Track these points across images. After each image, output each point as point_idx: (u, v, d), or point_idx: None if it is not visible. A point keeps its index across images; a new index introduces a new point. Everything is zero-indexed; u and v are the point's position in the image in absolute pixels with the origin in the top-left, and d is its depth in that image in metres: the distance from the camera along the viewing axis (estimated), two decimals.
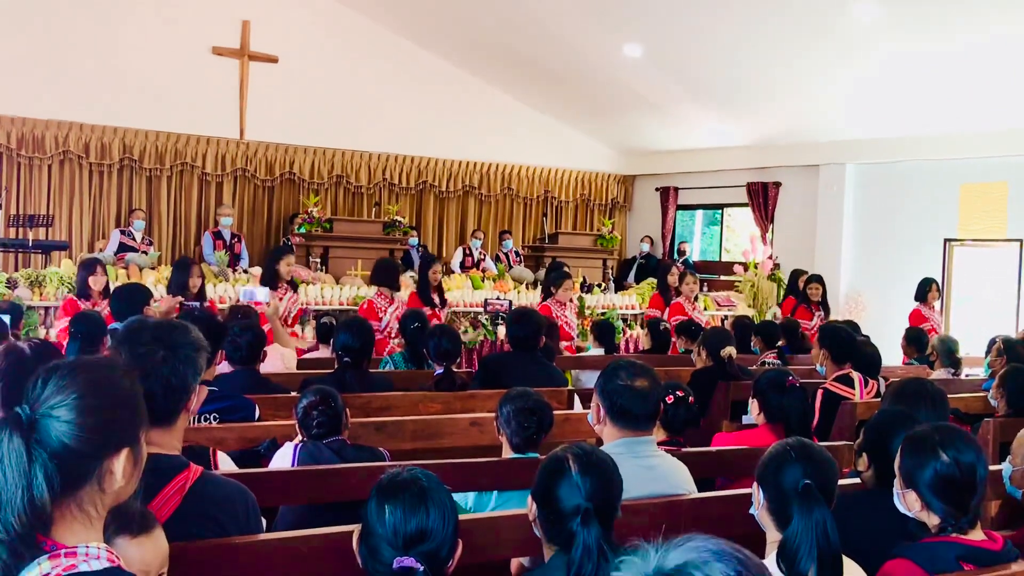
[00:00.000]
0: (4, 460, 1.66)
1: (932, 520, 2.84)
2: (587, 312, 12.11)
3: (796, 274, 11.71)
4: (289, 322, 8.53)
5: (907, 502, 2.87)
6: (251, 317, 6.70)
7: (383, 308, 8.57)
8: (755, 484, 2.82)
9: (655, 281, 13.91)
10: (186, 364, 2.62)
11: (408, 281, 10.78)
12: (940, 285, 11.03)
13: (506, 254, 15.05)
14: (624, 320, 12.54)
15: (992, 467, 4.47)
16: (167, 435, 2.61)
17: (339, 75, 14.98)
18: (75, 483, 1.74)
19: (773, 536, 2.72)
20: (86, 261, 8.28)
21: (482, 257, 14.90)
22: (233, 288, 10.49)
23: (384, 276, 8.80)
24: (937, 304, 10.91)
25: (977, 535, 2.81)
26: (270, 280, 8.63)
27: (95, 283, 7.88)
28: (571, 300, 9.42)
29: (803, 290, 11.05)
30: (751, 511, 2.83)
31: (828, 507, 2.62)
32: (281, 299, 8.40)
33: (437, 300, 9.03)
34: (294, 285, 8.87)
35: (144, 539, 2.21)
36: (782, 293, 13.16)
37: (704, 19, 12.03)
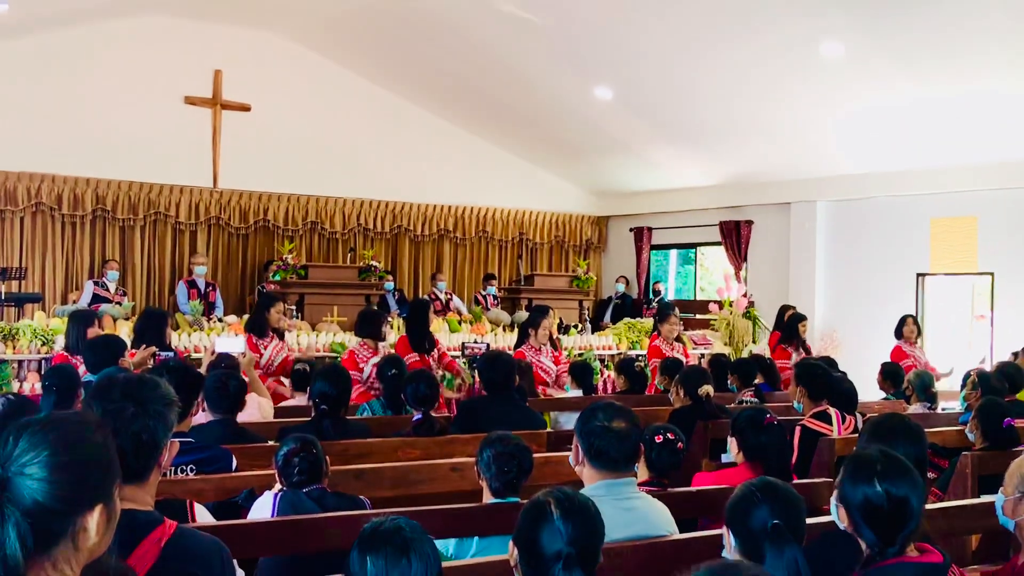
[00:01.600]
0: None
1: (862, 540, 2.85)
2: (566, 354, 12.08)
3: (784, 309, 11.68)
4: (272, 370, 8.43)
5: (838, 515, 2.88)
6: (235, 367, 6.68)
7: (364, 359, 8.44)
8: (725, 528, 2.82)
9: (632, 321, 13.98)
10: (156, 419, 2.61)
11: (393, 331, 10.71)
12: (916, 320, 11.02)
13: (485, 296, 15.07)
14: (601, 361, 12.54)
15: (972, 500, 4.50)
16: (140, 491, 2.59)
17: (312, 122, 15.02)
18: (49, 541, 1.72)
19: None
20: (82, 314, 7.98)
21: (449, 297, 14.95)
22: (208, 337, 10.43)
23: (367, 327, 8.64)
24: (919, 340, 10.90)
25: (914, 552, 2.81)
26: (259, 328, 8.48)
27: (93, 336, 7.37)
28: (546, 344, 9.32)
29: (787, 325, 11.01)
30: (723, 555, 2.83)
31: (798, 544, 2.62)
32: (266, 347, 8.34)
33: (426, 345, 8.94)
34: (280, 333, 8.73)
35: None
36: (758, 331, 13.18)
37: (673, 61, 12.16)
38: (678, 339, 10.26)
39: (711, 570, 1.55)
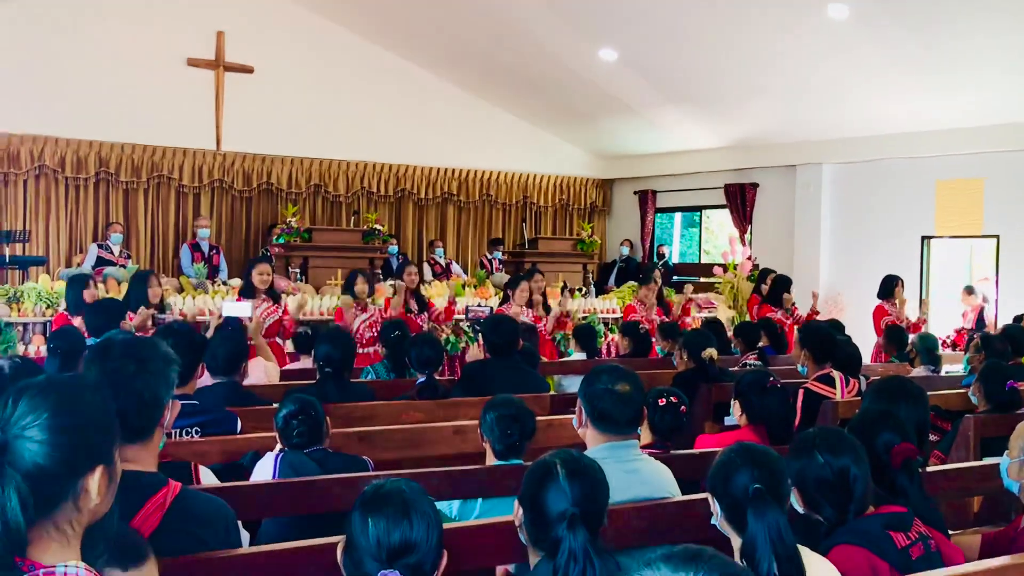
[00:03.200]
0: None
1: (817, 518, 2.94)
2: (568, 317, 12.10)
3: (765, 273, 11.72)
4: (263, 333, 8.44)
5: (795, 499, 2.95)
6: (240, 332, 6.69)
7: (353, 315, 8.76)
8: (709, 495, 2.84)
9: (636, 285, 13.95)
10: (157, 377, 2.61)
11: (387, 289, 10.75)
12: (907, 282, 11.10)
13: (490, 260, 15.11)
14: (605, 324, 12.54)
15: (975, 463, 4.51)
16: (143, 451, 2.59)
17: (315, 84, 14.95)
18: (50, 503, 1.72)
19: (737, 543, 2.73)
20: (78, 277, 8.11)
21: (448, 263, 15.21)
22: (212, 300, 10.44)
23: (348, 287, 9.01)
24: (908, 301, 10.96)
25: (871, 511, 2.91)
26: (247, 290, 8.57)
27: (89, 297, 7.67)
28: (523, 307, 9.38)
29: (772, 289, 11.05)
30: (712, 522, 2.85)
31: (781, 507, 2.64)
32: (255, 308, 8.36)
33: (415, 306, 9.00)
34: (274, 296, 8.73)
35: (135, 572, 2.19)
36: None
37: (678, 22, 12.07)
38: (661, 302, 10.38)
39: (669, 556, 1.54)
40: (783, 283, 11.03)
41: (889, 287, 10.80)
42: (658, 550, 1.57)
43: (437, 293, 12.25)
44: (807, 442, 2.95)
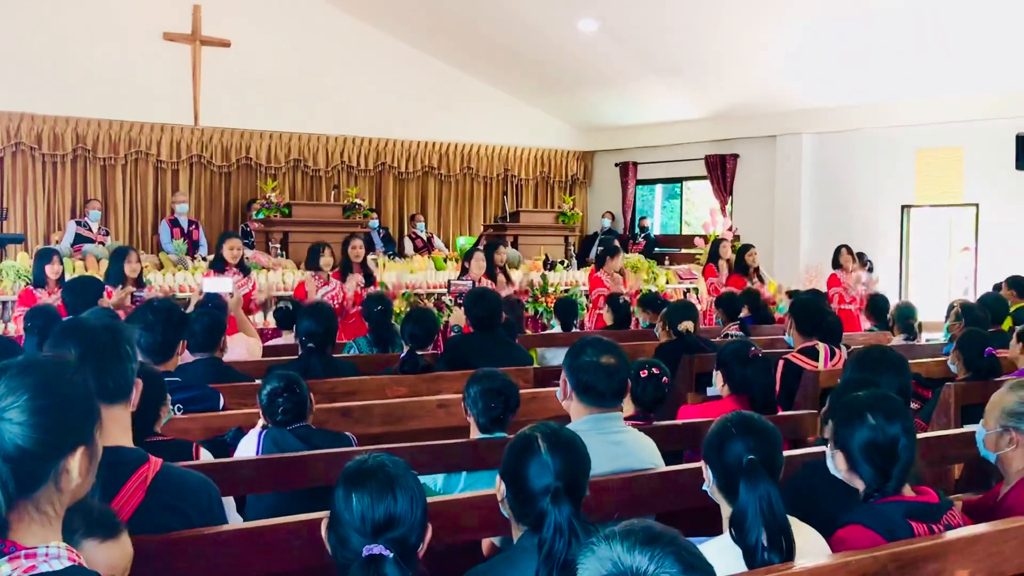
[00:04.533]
0: None
1: (858, 484, 2.90)
2: (550, 290, 12.13)
3: (718, 242, 11.74)
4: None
5: (836, 462, 2.94)
6: (221, 308, 6.68)
7: (315, 288, 8.87)
8: (703, 462, 2.84)
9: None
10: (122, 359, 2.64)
11: (371, 264, 10.74)
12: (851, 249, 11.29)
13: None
14: (587, 296, 12.55)
15: (955, 431, 4.54)
16: (116, 427, 2.59)
17: (293, 58, 14.84)
18: (31, 484, 1.71)
19: (726, 511, 2.75)
20: (42, 251, 8.38)
21: (430, 237, 15.27)
22: (192, 276, 10.39)
23: (311, 260, 9.20)
24: (857, 270, 11.10)
25: (909, 493, 2.88)
26: (217, 264, 8.68)
27: (51, 272, 8.01)
28: (485, 276, 9.51)
29: (738, 256, 11.10)
30: (703, 488, 2.86)
31: (774, 479, 2.65)
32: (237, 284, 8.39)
33: (363, 281, 9.07)
34: (245, 269, 8.85)
35: (112, 544, 2.20)
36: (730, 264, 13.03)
37: None
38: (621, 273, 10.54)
39: (627, 533, 1.54)
40: (744, 250, 11.11)
41: (837, 257, 10.97)
42: (620, 523, 1.57)
43: (419, 267, 12.24)
44: (859, 405, 2.91)
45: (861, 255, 12.73)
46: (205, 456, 3.44)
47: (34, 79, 12.95)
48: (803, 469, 3.47)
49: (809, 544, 2.70)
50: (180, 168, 14.55)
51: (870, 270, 12.35)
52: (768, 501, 2.58)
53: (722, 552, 2.57)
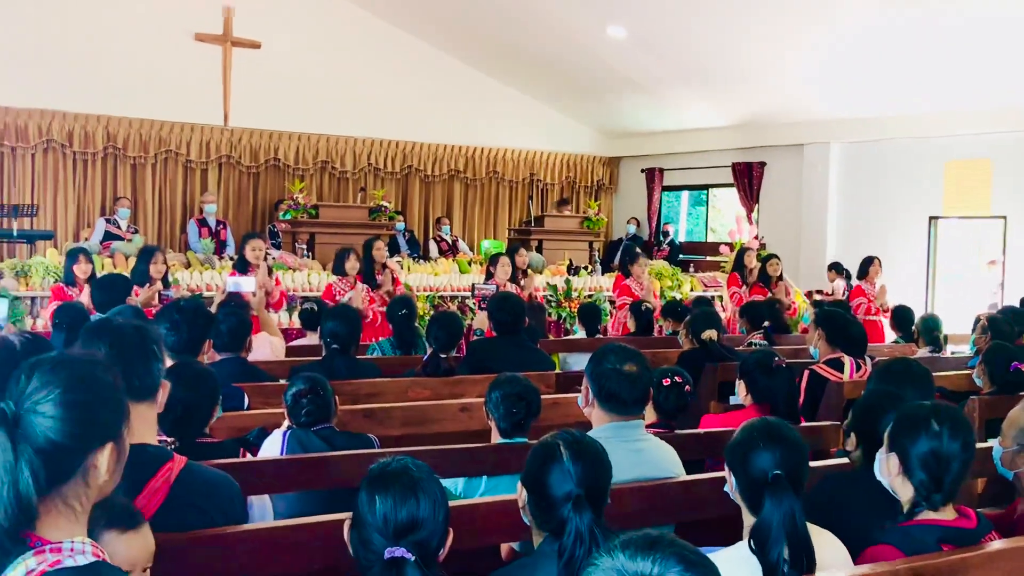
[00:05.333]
0: None
1: (905, 492, 2.87)
2: (574, 295, 12.14)
3: (743, 251, 11.68)
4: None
5: (887, 466, 2.90)
6: (244, 307, 6.72)
7: (341, 291, 8.94)
8: (726, 467, 2.83)
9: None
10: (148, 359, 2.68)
11: (394, 266, 10.77)
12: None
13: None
14: (611, 303, 12.54)
15: (980, 445, 4.51)
16: (142, 426, 2.62)
17: (323, 60, 14.90)
18: (60, 478, 1.74)
19: (747, 519, 2.73)
20: (70, 251, 8.49)
21: (455, 240, 15.27)
22: (219, 275, 10.46)
23: (337, 265, 9.28)
24: (879, 280, 11.04)
25: (949, 514, 2.85)
26: (241, 266, 8.72)
27: (79, 271, 8.10)
28: (505, 281, 9.51)
29: (761, 265, 11.05)
30: (725, 488, 2.85)
31: (799, 493, 2.63)
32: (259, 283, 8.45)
33: (382, 280, 9.11)
34: (267, 270, 8.95)
35: (132, 535, 2.22)
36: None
37: (688, 0, 12.02)
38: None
39: (627, 543, 1.55)
40: (767, 260, 11.08)
41: (864, 268, 10.91)
42: (619, 536, 1.58)
43: (443, 270, 12.28)
44: (926, 413, 2.88)
45: (838, 265, 12.79)
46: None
47: (66, 78, 13.07)
48: (830, 480, 3.44)
49: (830, 551, 2.69)
50: (209, 168, 14.64)
51: (848, 278, 12.39)
52: (792, 517, 2.56)
53: (739, 562, 2.57)
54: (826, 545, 2.69)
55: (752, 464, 2.70)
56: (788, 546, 2.53)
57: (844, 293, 11.38)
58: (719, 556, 2.63)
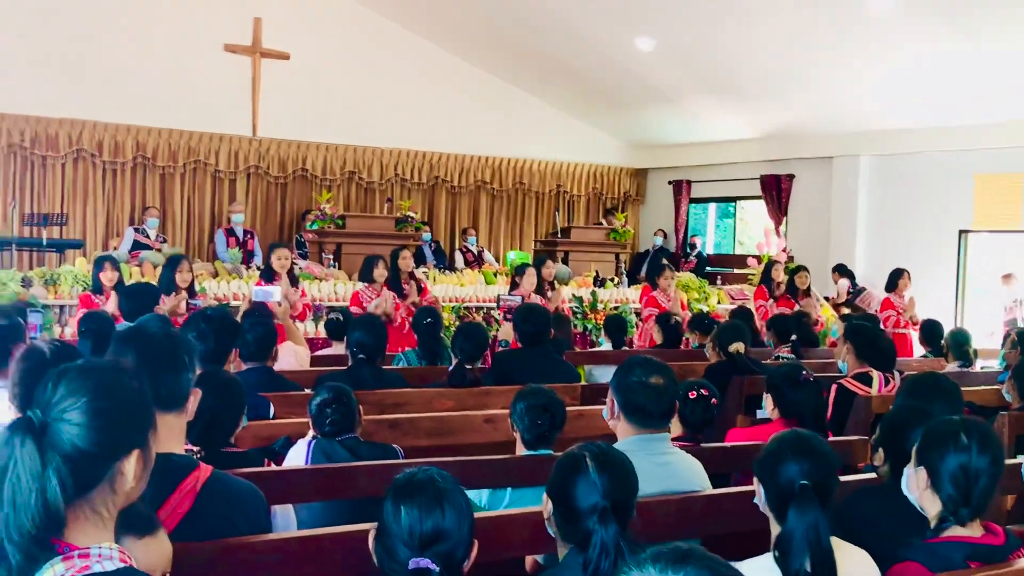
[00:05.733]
0: (18, 464, 1.67)
1: (932, 507, 2.85)
2: (600, 307, 12.12)
3: (770, 264, 11.63)
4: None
5: (915, 480, 2.88)
6: (267, 316, 6.73)
7: (368, 299, 8.96)
8: (755, 478, 2.82)
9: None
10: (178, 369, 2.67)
11: (421, 276, 10.80)
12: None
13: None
14: (637, 314, 12.51)
15: (1009, 461, 4.46)
16: (169, 435, 2.63)
17: (350, 71, 14.98)
18: (87, 485, 1.74)
19: (774, 530, 2.72)
20: (97, 258, 8.61)
21: (480, 251, 15.30)
22: (247, 285, 10.51)
23: (365, 272, 9.28)
24: (908, 293, 11.02)
25: (977, 530, 2.82)
26: (267, 276, 8.79)
27: (106, 279, 8.19)
28: (530, 293, 9.47)
29: (789, 278, 11.01)
30: (755, 500, 2.84)
31: (825, 505, 2.62)
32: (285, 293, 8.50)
33: (408, 289, 9.13)
34: (293, 279, 8.99)
35: (150, 540, 2.22)
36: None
37: (716, 11, 12.00)
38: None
39: (657, 556, 1.53)
40: (796, 271, 11.04)
41: (894, 280, 10.85)
42: (648, 549, 1.57)
43: (469, 281, 12.28)
44: (955, 427, 2.86)
45: (842, 267, 12.76)
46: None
47: (96, 88, 13.19)
48: (859, 494, 3.42)
49: (858, 567, 2.67)
50: (237, 178, 14.73)
51: (852, 278, 12.38)
52: (815, 530, 2.55)
53: (763, 572, 2.56)
54: (859, 563, 2.66)
55: (780, 474, 2.69)
56: (810, 558, 2.51)
57: (848, 293, 11.34)
58: (745, 565, 2.62)
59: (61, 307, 9.72)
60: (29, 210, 12.74)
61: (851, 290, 12.28)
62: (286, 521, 3.41)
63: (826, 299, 12.35)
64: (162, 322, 5.17)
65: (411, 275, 9.35)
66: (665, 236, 17.30)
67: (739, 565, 2.62)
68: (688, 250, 17.03)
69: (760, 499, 2.80)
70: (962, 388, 4.12)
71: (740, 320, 7.80)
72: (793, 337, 8.27)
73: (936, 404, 3.71)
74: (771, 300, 10.87)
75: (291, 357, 6.89)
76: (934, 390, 3.89)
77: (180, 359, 2.66)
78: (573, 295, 12.28)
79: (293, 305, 8.57)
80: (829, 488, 2.70)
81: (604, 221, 17.08)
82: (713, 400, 4.53)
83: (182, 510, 2.58)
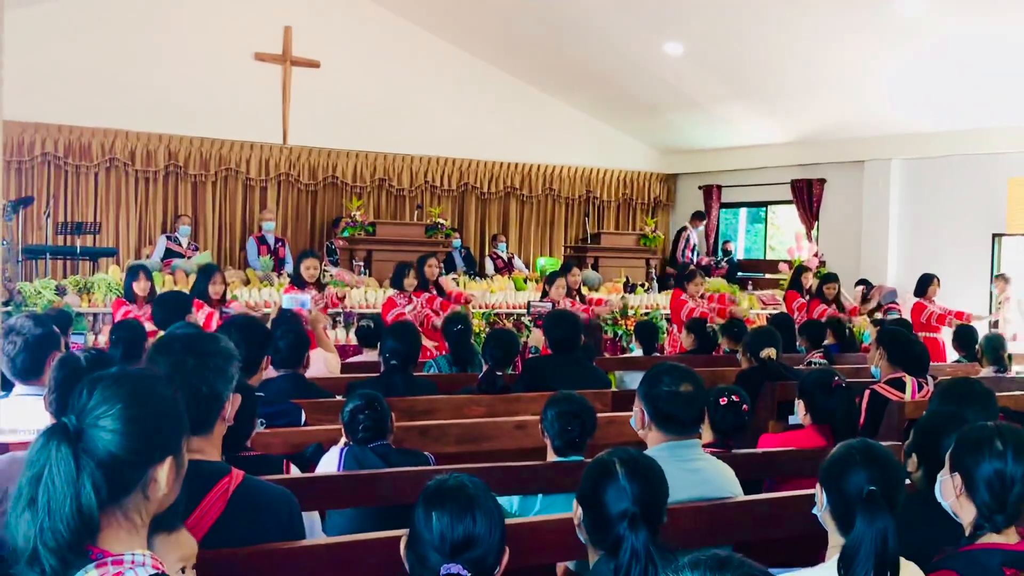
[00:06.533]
0: (53, 470, 1.69)
1: (966, 514, 2.81)
2: (630, 313, 12.09)
3: (800, 269, 11.58)
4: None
5: (951, 486, 2.85)
6: (297, 323, 6.77)
7: (400, 305, 9.06)
8: (818, 485, 2.79)
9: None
10: (216, 373, 2.64)
11: (450, 283, 10.83)
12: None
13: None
14: (668, 320, 12.47)
15: None
16: (206, 443, 2.64)
17: (380, 78, 15.03)
18: (121, 492, 1.76)
19: (835, 540, 2.69)
20: (132, 267, 8.60)
21: (510, 257, 15.36)
22: (278, 292, 10.57)
23: (396, 279, 9.37)
24: (937, 298, 11.07)
25: (1012, 537, 2.78)
26: (297, 281, 8.89)
27: (139, 288, 8.21)
28: (560, 298, 9.48)
29: (818, 286, 10.98)
30: (814, 511, 2.81)
31: (891, 513, 2.58)
32: (315, 301, 8.56)
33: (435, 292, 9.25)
34: (320, 286, 9.06)
35: (175, 536, 2.22)
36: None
37: (745, 15, 11.96)
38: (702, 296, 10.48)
39: (696, 563, 1.53)
40: (825, 280, 10.98)
41: (924, 285, 10.80)
42: (687, 556, 1.56)
43: (499, 287, 12.29)
44: (991, 433, 2.83)
45: (864, 280, 12.76)
46: (294, 472, 3.48)
47: (129, 98, 13.30)
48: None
49: None
50: (268, 186, 14.82)
51: (869, 287, 12.39)
52: (884, 536, 2.51)
53: None
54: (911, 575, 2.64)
55: (847, 481, 2.66)
56: (875, 566, 2.48)
57: (863, 296, 11.40)
58: (806, 573, 2.61)
59: (95, 315, 9.82)
60: (63, 219, 12.87)
61: (865, 292, 12.27)
62: (311, 528, 3.42)
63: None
64: (194, 330, 5.19)
65: (435, 283, 9.40)
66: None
67: (797, 575, 2.62)
68: (720, 255, 16.96)
69: (821, 507, 2.76)
70: (997, 393, 4.08)
71: (776, 326, 7.75)
72: (826, 342, 8.22)
73: (970, 410, 3.68)
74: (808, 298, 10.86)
75: (320, 364, 6.91)
76: (968, 396, 3.85)
77: (225, 368, 2.68)
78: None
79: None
80: (895, 498, 2.67)
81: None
82: (744, 406, 4.50)
83: (213, 515, 2.59)
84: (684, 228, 17.06)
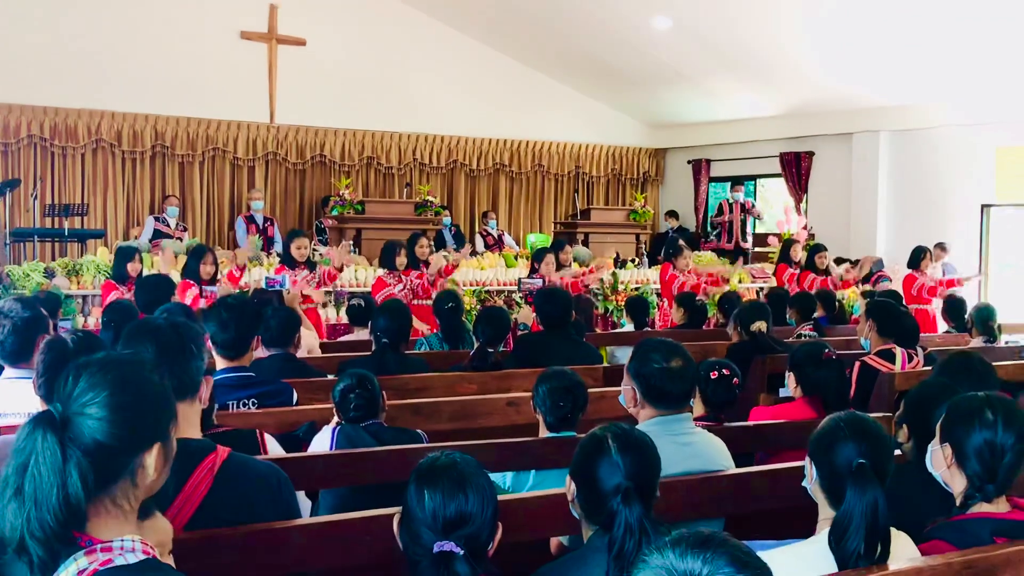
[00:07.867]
0: (39, 458, 1.67)
1: (957, 483, 2.83)
2: (621, 288, 12.08)
3: (789, 242, 11.57)
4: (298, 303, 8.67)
5: (942, 457, 2.86)
6: (269, 301, 6.76)
7: (391, 285, 9.01)
8: (807, 459, 2.79)
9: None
10: (190, 357, 2.69)
11: (440, 260, 10.78)
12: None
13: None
14: (658, 295, 12.47)
15: None
16: (184, 422, 2.64)
17: (367, 56, 14.98)
18: (109, 479, 1.75)
19: (825, 512, 2.69)
20: (124, 249, 8.57)
21: (501, 234, 15.35)
22: (268, 272, 10.53)
23: (386, 258, 9.26)
24: (931, 270, 11.09)
25: (1003, 506, 2.80)
26: (287, 263, 8.91)
27: (133, 270, 8.20)
28: (549, 273, 9.50)
29: (808, 257, 10.96)
30: (803, 483, 2.81)
31: (882, 485, 2.59)
32: (294, 279, 8.59)
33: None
34: (311, 264, 9.07)
35: (150, 523, 2.21)
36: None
37: None
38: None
39: (678, 541, 1.53)
40: (816, 249, 10.97)
41: (917, 258, 10.82)
42: (670, 532, 1.57)
43: (489, 264, 12.28)
44: (979, 403, 2.84)
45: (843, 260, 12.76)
46: (270, 442, 3.46)
47: (114, 78, 13.24)
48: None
49: (901, 550, 2.65)
50: (256, 165, 14.77)
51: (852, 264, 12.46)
52: (874, 508, 2.52)
53: (811, 557, 2.54)
54: (901, 546, 2.64)
55: (836, 454, 2.66)
56: (866, 537, 2.49)
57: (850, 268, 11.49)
58: (794, 549, 2.61)
59: (84, 297, 9.79)
60: (50, 201, 12.81)
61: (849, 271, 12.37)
62: (302, 511, 3.41)
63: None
64: (183, 312, 5.17)
65: (426, 263, 9.38)
66: (676, 218, 17.20)
67: (786, 549, 2.62)
68: (709, 229, 16.92)
69: (811, 481, 2.76)
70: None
71: (767, 301, 7.76)
72: (815, 315, 8.23)
73: (965, 383, 3.67)
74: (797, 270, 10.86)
75: (314, 342, 6.91)
76: (964, 369, 3.86)
77: (188, 347, 2.68)
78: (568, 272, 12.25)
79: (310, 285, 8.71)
80: (885, 470, 2.66)
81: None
82: (735, 380, 4.50)
83: (201, 492, 2.59)
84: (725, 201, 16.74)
